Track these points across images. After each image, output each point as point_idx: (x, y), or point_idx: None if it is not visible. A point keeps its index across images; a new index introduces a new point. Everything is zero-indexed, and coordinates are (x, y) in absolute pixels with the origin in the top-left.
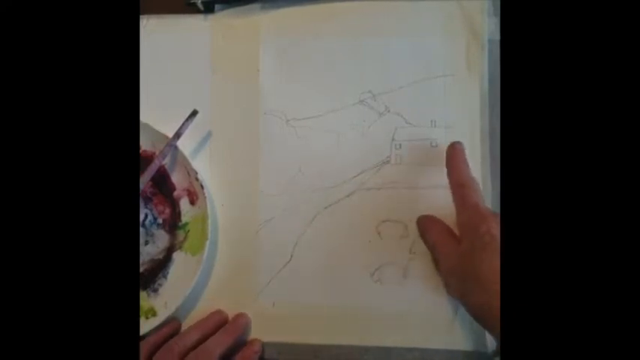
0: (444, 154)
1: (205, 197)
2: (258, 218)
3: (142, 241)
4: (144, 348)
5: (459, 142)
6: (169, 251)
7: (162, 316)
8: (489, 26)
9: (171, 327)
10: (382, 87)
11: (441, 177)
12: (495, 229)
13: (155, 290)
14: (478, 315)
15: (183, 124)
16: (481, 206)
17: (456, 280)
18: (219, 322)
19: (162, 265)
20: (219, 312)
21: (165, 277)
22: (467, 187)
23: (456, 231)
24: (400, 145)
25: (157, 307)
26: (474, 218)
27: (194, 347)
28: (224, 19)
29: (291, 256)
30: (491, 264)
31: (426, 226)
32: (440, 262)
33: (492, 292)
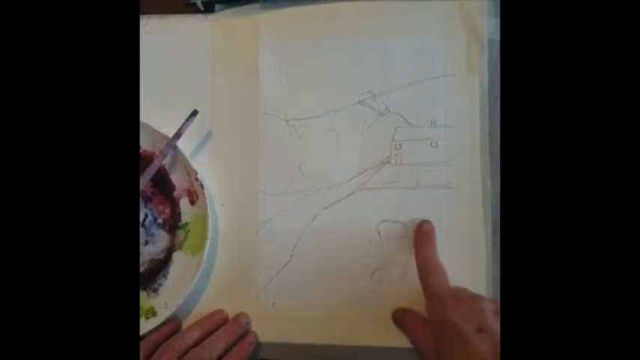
0: (444, 154)
1: (205, 197)
2: (258, 218)
3: (142, 241)
4: (144, 346)
5: (426, 222)
6: (169, 251)
7: (162, 316)
8: (489, 26)
9: (172, 326)
10: (382, 87)
11: (441, 177)
12: (457, 312)
13: (155, 290)
14: None
15: (183, 124)
16: (440, 292)
17: None
18: (219, 321)
19: (162, 265)
20: (219, 311)
21: (165, 277)
22: (432, 274)
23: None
24: (400, 145)
25: (157, 307)
26: (435, 305)
27: (194, 345)
28: (224, 19)
29: (291, 256)
30: (455, 353)
31: (401, 318)
32: (419, 350)
33: None
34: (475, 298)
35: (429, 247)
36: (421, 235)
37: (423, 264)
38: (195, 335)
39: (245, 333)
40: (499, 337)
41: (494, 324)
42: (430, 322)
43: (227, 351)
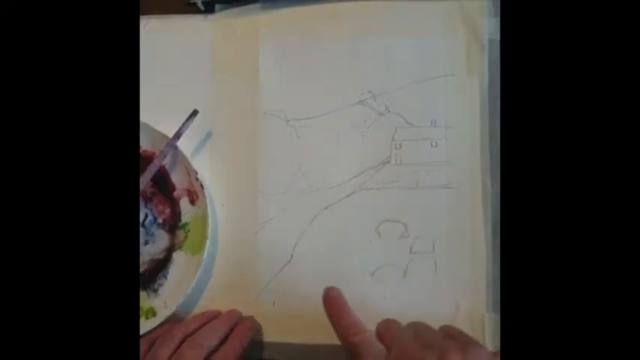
0: (444, 154)
1: (205, 197)
2: (258, 218)
3: (141, 241)
4: (144, 343)
5: (331, 289)
6: (169, 251)
7: (162, 316)
8: (489, 26)
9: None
10: (382, 87)
11: (441, 177)
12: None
13: (155, 290)
14: None
15: (183, 124)
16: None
17: None
18: (219, 315)
19: (162, 265)
20: (218, 310)
21: (165, 277)
22: (358, 346)
23: None
24: (400, 145)
25: (157, 307)
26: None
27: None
28: (224, 19)
29: (291, 256)
30: None
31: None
32: None
33: None
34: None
35: (346, 312)
36: (331, 302)
37: (346, 331)
38: (194, 325)
39: (244, 320)
40: None
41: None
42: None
43: (227, 337)
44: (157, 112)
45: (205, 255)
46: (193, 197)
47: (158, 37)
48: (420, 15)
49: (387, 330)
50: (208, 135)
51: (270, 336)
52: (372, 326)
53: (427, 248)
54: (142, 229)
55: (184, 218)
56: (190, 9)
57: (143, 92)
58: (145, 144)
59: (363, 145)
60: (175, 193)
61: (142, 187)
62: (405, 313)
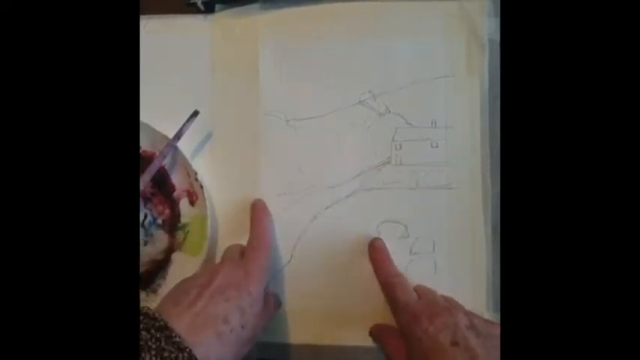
0: (444, 155)
1: (205, 198)
2: None
3: (141, 241)
4: None
5: (377, 239)
6: (168, 252)
7: None
8: (489, 26)
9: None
10: (382, 87)
11: (441, 177)
12: (431, 326)
13: (154, 291)
14: None
15: (183, 124)
16: (411, 305)
17: None
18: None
19: (161, 265)
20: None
21: (164, 277)
22: (395, 287)
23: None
24: (400, 145)
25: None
26: (407, 320)
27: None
28: (224, 19)
29: (292, 256)
30: None
31: (377, 332)
32: None
33: None
34: (448, 310)
35: (386, 261)
36: (376, 252)
37: (385, 279)
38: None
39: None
40: (473, 350)
41: (469, 337)
42: (403, 336)
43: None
44: (157, 112)
45: (204, 256)
46: (193, 198)
47: (158, 37)
48: (420, 15)
49: (423, 287)
50: (208, 135)
51: (270, 336)
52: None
53: (427, 248)
54: (141, 230)
55: (184, 219)
56: (190, 9)
57: (143, 92)
58: (145, 144)
59: (363, 146)
60: (175, 194)
61: (141, 187)
62: None
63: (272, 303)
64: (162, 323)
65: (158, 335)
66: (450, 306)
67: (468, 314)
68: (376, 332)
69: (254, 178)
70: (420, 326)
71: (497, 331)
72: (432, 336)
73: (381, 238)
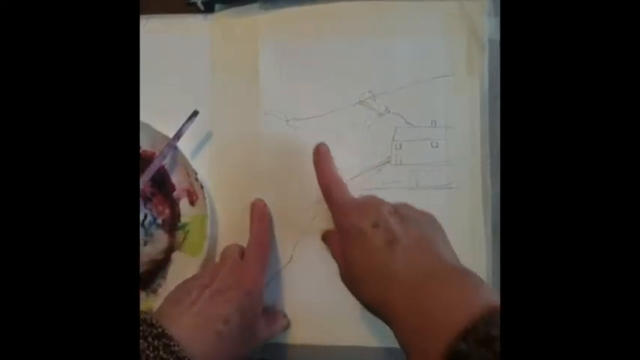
0: (444, 155)
1: (205, 198)
2: None
3: (141, 241)
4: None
5: (322, 144)
6: (168, 252)
7: None
8: (489, 26)
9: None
10: (382, 87)
11: (441, 177)
12: (357, 216)
13: (154, 291)
14: (369, 309)
15: (183, 124)
16: (345, 203)
17: (346, 281)
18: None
19: (161, 265)
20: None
21: (164, 277)
22: (334, 188)
23: None
24: (400, 145)
25: (156, 308)
26: (340, 216)
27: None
28: (224, 19)
29: (291, 256)
30: (355, 253)
31: (325, 238)
32: (337, 263)
33: (369, 281)
34: (371, 199)
35: (327, 164)
36: (319, 156)
37: (324, 180)
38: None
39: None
40: (395, 231)
41: (389, 219)
42: (338, 233)
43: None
44: (157, 112)
45: (204, 256)
46: (193, 198)
47: (158, 37)
48: (420, 15)
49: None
50: (208, 135)
51: None
52: (373, 326)
53: None
54: (141, 230)
55: (184, 219)
56: (190, 9)
57: (143, 92)
58: (145, 144)
59: (363, 146)
60: (175, 194)
61: (141, 187)
62: None
63: (281, 321)
64: (159, 330)
65: (156, 343)
66: (380, 201)
67: (396, 205)
68: (324, 237)
69: (254, 178)
70: (348, 219)
71: (425, 218)
72: (356, 224)
73: (325, 143)
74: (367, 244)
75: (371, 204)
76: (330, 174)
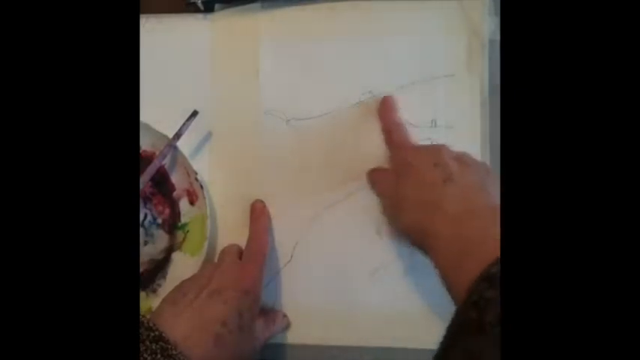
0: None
1: (205, 198)
2: None
3: (141, 241)
4: None
5: (388, 97)
6: (168, 252)
7: None
8: (489, 26)
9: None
10: (382, 87)
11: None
12: (414, 157)
13: (154, 291)
14: (408, 236)
15: (183, 124)
16: (407, 142)
17: (388, 212)
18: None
19: (161, 265)
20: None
21: (164, 277)
22: (392, 130)
23: None
24: None
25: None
26: (401, 153)
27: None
28: (224, 18)
29: (292, 256)
30: (410, 190)
31: (371, 175)
32: (382, 198)
33: (418, 212)
34: (436, 144)
35: (391, 111)
36: (384, 104)
37: (386, 125)
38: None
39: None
40: (452, 172)
41: (449, 162)
42: (393, 172)
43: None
44: (157, 112)
45: (204, 256)
46: (193, 198)
47: (158, 37)
48: (420, 15)
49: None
50: (208, 135)
51: None
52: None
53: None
54: (141, 230)
55: (184, 219)
56: (190, 9)
57: (143, 92)
58: (145, 144)
59: (363, 145)
60: (175, 194)
61: (141, 187)
62: (405, 313)
63: (280, 321)
64: (157, 333)
65: (154, 347)
66: (444, 146)
67: (458, 152)
68: (370, 173)
69: (254, 178)
70: (410, 156)
71: (483, 167)
72: (418, 161)
73: (391, 97)
74: (425, 180)
75: (435, 147)
76: (394, 118)
